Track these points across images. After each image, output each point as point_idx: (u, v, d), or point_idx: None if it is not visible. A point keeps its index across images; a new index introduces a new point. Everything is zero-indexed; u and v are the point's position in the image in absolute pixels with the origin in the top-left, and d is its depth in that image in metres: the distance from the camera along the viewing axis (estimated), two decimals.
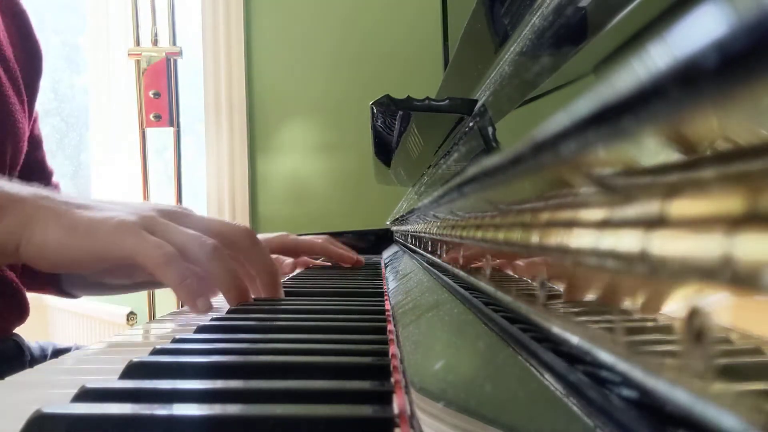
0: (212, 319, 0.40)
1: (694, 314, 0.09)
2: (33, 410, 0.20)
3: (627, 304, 0.12)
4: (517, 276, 0.21)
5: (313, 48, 1.77)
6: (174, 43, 1.55)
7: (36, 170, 0.77)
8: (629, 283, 0.12)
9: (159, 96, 1.53)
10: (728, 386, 0.09)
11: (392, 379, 0.25)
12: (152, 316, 1.55)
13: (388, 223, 1.21)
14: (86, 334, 2.03)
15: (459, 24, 0.58)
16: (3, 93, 0.66)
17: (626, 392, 0.12)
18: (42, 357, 0.75)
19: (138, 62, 1.53)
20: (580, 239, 0.14)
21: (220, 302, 0.51)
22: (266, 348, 0.31)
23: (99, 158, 2.15)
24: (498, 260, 0.23)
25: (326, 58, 1.77)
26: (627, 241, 0.11)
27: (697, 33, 0.08)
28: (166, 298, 1.58)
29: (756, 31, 0.06)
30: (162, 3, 1.55)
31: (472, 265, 0.29)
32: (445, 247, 0.40)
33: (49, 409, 0.20)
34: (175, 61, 1.55)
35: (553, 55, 0.24)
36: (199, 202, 1.80)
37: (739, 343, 0.09)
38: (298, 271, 0.85)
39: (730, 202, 0.08)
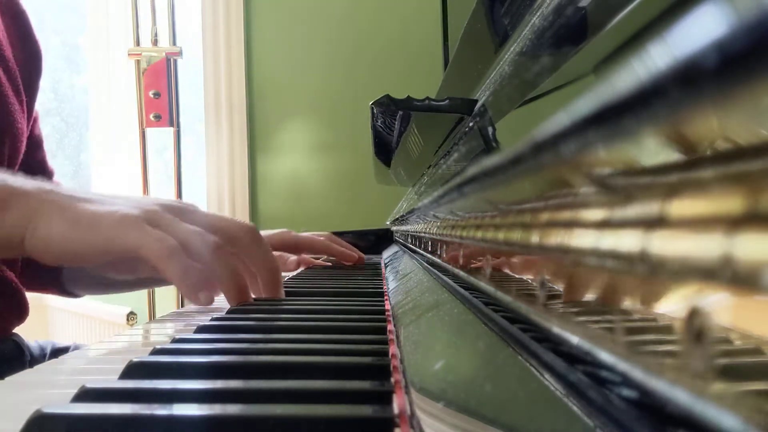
0: (212, 319, 0.40)
1: (694, 314, 0.09)
2: (33, 410, 0.20)
3: (627, 304, 0.12)
4: (517, 276, 0.21)
5: (313, 48, 1.77)
6: (174, 43, 1.55)
7: (36, 170, 0.77)
8: (629, 283, 0.12)
9: (159, 96, 1.53)
10: (728, 386, 0.09)
11: (392, 379, 0.25)
12: (152, 316, 1.55)
13: (388, 223, 1.21)
14: (86, 334, 2.03)
15: (459, 24, 0.58)
16: (2, 93, 0.66)
17: (626, 392, 0.12)
18: (41, 356, 0.75)
19: (138, 62, 1.53)
20: (580, 239, 0.14)
21: (221, 302, 0.51)
22: (266, 348, 0.31)
23: (99, 158, 2.15)
24: (498, 260, 0.23)
25: (326, 58, 1.77)
26: (627, 241, 0.11)
27: (697, 33, 0.08)
28: (166, 298, 1.58)
29: (756, 31, 0.06)
30: (162, 3, 1.55)
31: (472, 265, 0.29)
32: (445, 247, 0.40)
33: (49, 409, 0.20)
34: (175, 61, 1.55)
35: (553, 55, 0.24)
36: (199, 202, 1.79)
37: (739, 343, 0.09)
38: (300, 270, 0.85)
39: (730, 202, 0.08)
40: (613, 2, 0.17)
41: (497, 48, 0.35)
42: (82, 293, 0.78)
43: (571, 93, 0.20)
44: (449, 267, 0.37)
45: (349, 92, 1.75)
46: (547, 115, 0.14)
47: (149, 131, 1.57)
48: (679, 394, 0.10)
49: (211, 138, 1.78)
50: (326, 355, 0.29)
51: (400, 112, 0.52)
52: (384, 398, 0.23)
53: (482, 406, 0.18)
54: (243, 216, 1.76)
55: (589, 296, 0.14)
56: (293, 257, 0.83)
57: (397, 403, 0.22)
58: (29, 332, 0.75)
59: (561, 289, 0.16)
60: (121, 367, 0.27)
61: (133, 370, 0.26)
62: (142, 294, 1.56)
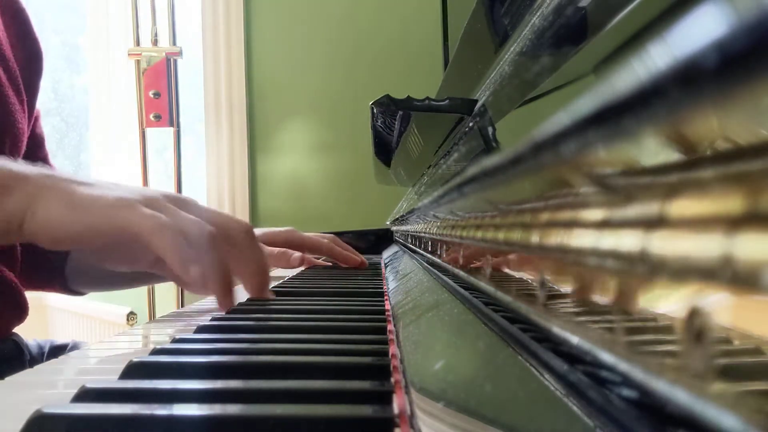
0: (212, 319, 0.40)
1: (694, 314, 0.09)
2: (33, 410, 0.20)
3: (627, 304, 0.12)
4: (517, 276, 0.21)
5: (313, 48, 1.77)
6: (174, 43, 1.55)
7: None
8: (629, 283, 0.12)
9: (159, 96, 1.53)
10: (728, 386, 0.09)
11: (392, 379, 0.25)
12: (152, 316, 1.55)
13: (388, 223, 1.21)
14: (86, 333, 2.03)
15: (459, 24, 0.58)
16: (2, 93, 0.66)
17: (626, 392, 0.12)
18: (40, 355, 0.75)
19: (138, 62, 1.53)
20: (580, 239, 0.14)
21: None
22: (266, 348, 0.31)
23: (99, 158, 2.15)
24: (498, 260, 0.23)
25: (326, 58, 1.77)
26: (627, 241, 0.11)
27: (697, 33, 0.08)
28: (166, 298, 1.58)
29: (756, 31, 0.06)
30: (162, 3, 1.55)
31: (472, 265, 0.29)
32: (445, 247, 0.40)
33: (49, 409, 0.20)
34: (175, 61, 1.55)
35: (553, 55, 0.24)
36: (200, 203, 1.80)
37: (739, 343, 0.09)
38: (301, 269, 0.85)
39: (730, 202, 0.08)
40: (613, 2, 0.17)
41: (497, 48, 0.35)
42: (85, 290, 0.78)
43: (571, 93, 0.20)
44: (449, 267, 0.37)
45: (349, 92, 1.75)
46: (547, 115, 0.14)
47: (149, 131, 1.57)
48: (679, 394, 0.10)
49: (211, 138, 1.78)
50: (326, 355, 0.29)
51: (400, 112, 0.52)
52: (384, 398, 0.23)
53: (482, 406, 0.18)
54: (243, 216, 1.76)
55: (589, 296, 0.14)
56: (297, 254, 0.83)
57: (397, 403, 0.22)
58: (29, 332, 0.75)
59: (561, 289, 0.16)
60: (120, 367, 0.27)
61: (133, 370, 0.26)
62: (142, 294, 1.57)
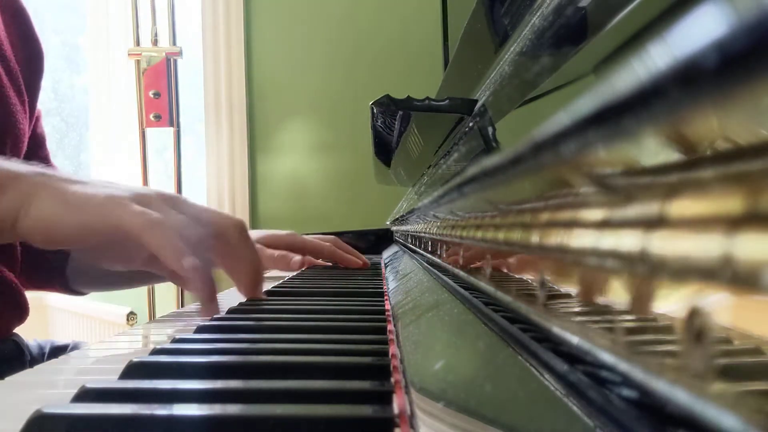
0: (212, 319, 0.40)
1: (694, 314, 0.09)
2: (33, 410, 0.20)
3: (627, 304, 0.12)
4: (517, 276, 0.21)
5: (313, 48, 1.77)
6: (174, 43, 1.55)
7: None
8: (629, 283, 0.12)
9: (159, 96, 1.53)
10: (728, 386, 0.09)
11: (392, 379, 0.25)
12: (152, 316, 1.55)
13: (388, 223, 1.21)
14: (86, 333, 2.03)
15: (459, 24, 0.58)
16: (3, 93, 0.66)
17: (626, 392, 0.12)
18: (40, 355, 0.75)
19: (138, 62, 1.53)
20: (580, 239, 0.14)
21: (221, 304, 0.51)
22: (266, 348, 0.31)
23: (99, 158, 2.15)
24: (498, 260, 0.23)
25: (326, 58, 1.77)
26: (627, 241, 0.11)
27: (697, 33, 0.08)
28: (166, 298, 1.58)
29: (756, 31, 0.06)
30: (162, 3, 1.55)
31: (472, 265, 0.29)
32: (445, 247, 0.40)
33: (49, 409, 0.20)
34: (175, 61, 1.55)
35: (553, 55, 0.24)
36: (199, 202, 1.79)
37: (739, 343, 0.09)
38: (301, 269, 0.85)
39: (730, 202, 0.08)
40: (613, 2, 0.17)
41: (497, 48, 0.35)
42: (86, 290, 0.78)
43: (571, 93, 0.20)
44: (449, 267, 0.37)
45: (349, 92, 1.75)
46: (547, 115, 0.14)
47: (149, 131, 1.57)
48: (679, 394, 0.10)
49: (211, 138, 1.78)
50: (326, 355, 0.29)
51: (400, 112, 0.52)
52: (384, 398, 0.23)
53: (482, 406, 0.18)
54: (243, 216, 1.76)
55: (589, 296, 0.14)
56: (297, 257, 0.83)
57: (397, 403, 0.22)
58: (29, 332, 0.75)
59: (561, 289, 0.16)
60: (120, 367, 0.27)
61: (133, 370, 0.26)
62: (142, 294, 1.57)
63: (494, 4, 0.36)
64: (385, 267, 0.82)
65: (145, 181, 1.58)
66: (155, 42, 1.54)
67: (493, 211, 0.24)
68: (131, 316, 1.83)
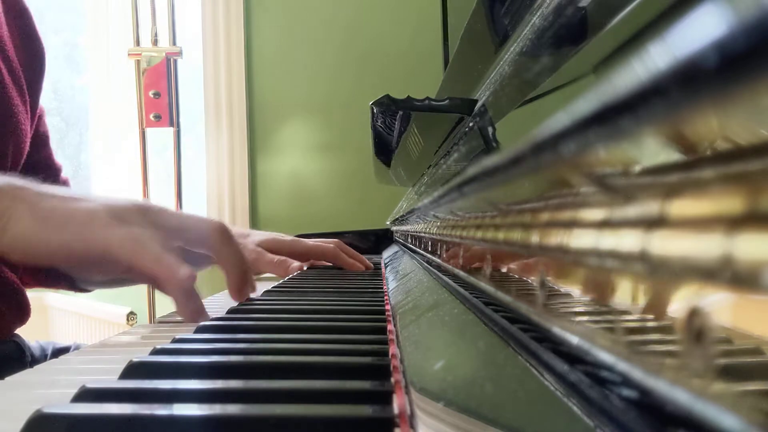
0: (212, 319, 0.40)
1: (694, 314, 0.09)
2: (33, 410, 0.20)
3: (627, 303, 0.12)
4: (517, 276, 0.21)
5: (313, 48, 1.77)
6: (174, 43, 1.55)
7: (42, 167, 0.76)
8: (629, 283, 0.12)
9: (159, 96, 1.53)
10: (728, 386, 0.09)
11: (392, 379, 0.25)
12: (152, 315, 1.55)
13: (388, 223, 1.21)
14: (86, 333, 2.03)
15: (459, 24, 0.58)
16: (5, 94, 0.66)
17: (626, 392, 0.12)
18: (42, 357, 0.75)
19: (138, 62, 1.53)
20: (580, 239, 0.14)
21: (220, 304, 0.51)
22: (266, 348, 0.31)
23: (99, 158, 2.15)
24: (498, 260, 0.23)
25: (326, 58, 1.77)
26: (627, 241, 0.11)
27: (697, 33, 0.08)
28: (166, 298, 1.57)
29: (756, 31, 0.06)
30: (162, 3, 1.55)
31: (472, 265, 0.29)
32: (445, 247, 0.40)
33: (49, 409, 0.20)
34: (175, 61, 1.54)
35: (553, 55, 0.24)
36: (199, 203, 1.80)
37: (739, 343, 0.09)
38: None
39: (730, 202, 0.08)
40: (613, 2, 0.17)
41: (497, 48, 0.35)
42: (91, 288, 0.78)
43: (571, 93, 0.20)
44: (449, 267, 0.37)
45: (348, 92, 1.75)
46: (547, 115, 0.14)
47: (149, 131, 1.57)
48: (679, 394, 0.10)
49: (211, 138, 1.78)
50: (326, 355, 0.29)
51: (400, 112, 0.52)
52: (384, 398, 0.23)
53: (482, 406, 0.18)
54: (243, 216, 1.76)
55: (589, 296, 0.14)
56: (296, 263, 0.82)
57: (397, 403, 0.22)
58: (30, 332, 0.75)
59: (561, 289, 0.16)
60: (121, 367, 0.27)
61: (133, 370, 0.26)
62: (142, 294, 1.56)
63: (494, 4, 0.36)
64: (385, 267, 0.82)
65: (145, 181, 1.57)
66: (155, 42, 1.54)
67: (493, 211, 0.24)
68: (131, 316, 1.83)
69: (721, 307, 0.09)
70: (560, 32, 0.23)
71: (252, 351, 0.31)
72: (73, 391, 0.23)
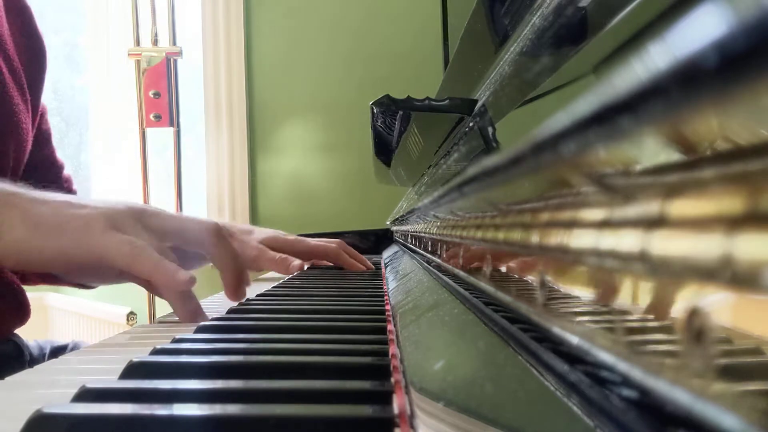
0: (212, 319, 0.40)
1: (694, 314, 0.09)
2: (33, 410, 0.20)
3: (627, 303, 0.12)
4: (517, 276, 0.21)
5: (313, 48, 1.77)
6: (174, 43, 1.55)
7: (45, 165, 0.77)
8: (629, 283, 0.12)
9: (159, 96, 1.53)
10: (728, 386, 0.09)
11: (392, 379, 0.25)
12: (152, 315, 1.55)
13: (388, 223, 1.21)
14: (86, 333, 2.03)
15: (459, 24, 0.58)
16: (6, 93, 0.66)
17: (626, 392, 0.12)
18: (41, 356, 0.75)
19: (138, 62, 1.53)
20: (580, 239, 0.14)
21: (220, 304, 0.51)
22: (266, 348, 0.31)
23: (99, 158, 2.15)
24: (498, 260, 0.23)
25: (326, 58, 1.77)
26: (627, 241, 0.11)
27: (697, 33, 0.08)
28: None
29: (756, 31, 0.06)
30: (162, 3, 1.55)
31: (472, 265, 0.29)
32: (445, 247, 0.40)
33: (49, 409, 0.20)
34: (175, 61, 1.54)
35: (553, 55, 0.24)
36: (199, 202, 1.80)
37: (739, 343, 0.09)
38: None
39: (730, 202, 0.08)
40: (613, 2, 0.17)
41: (497, 48, 0.35)
42: (95, 285, 0.78)
43: (571, 93, 0.20)
44: (449, 267, 0.37)
45: (348, 92, 1.75)
46: (547, 115, 0.14)
47: (149, 131, 1.57)
48: (679, 394, 0.10)
49: (211, 138, 1.78)
50: (326, 355, 0.29)
51: (400, 112, 0.52)
52: (384, 398, 0.23)
53: (482, 406, 0.18)
54: (243, 216, 1.76)
55: (589, 296, 0.14)
56: (297, 261, 0.82)
57: (397, 403, 0.22)
58: (29, 332, 0.75)
59: (561, 289, 0.16)
60: (121, 367, 0.27)
61: (133, 370, 0.26)
62: (142, 294, 1.56)
63: (494, 4, 0.36)
64: (385, 267, 0.82)
65: (145, 181, 1.57)
66: (155, 42, 1.54)
67: (493, 211, 0.24)
68: (131, 316, 1.83)
69: (721, 307, 0.09)
70: (560, 32, 0.23)
71: (252, 351, 0.31)
72: (73, 391, 0.23)
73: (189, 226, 0.50)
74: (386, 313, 0.42)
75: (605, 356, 0.13)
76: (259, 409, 0.21)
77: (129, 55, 1.54)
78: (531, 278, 0.19)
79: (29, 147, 0.71)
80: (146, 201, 1.55)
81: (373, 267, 0.87)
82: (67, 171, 0.84)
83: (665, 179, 0.10)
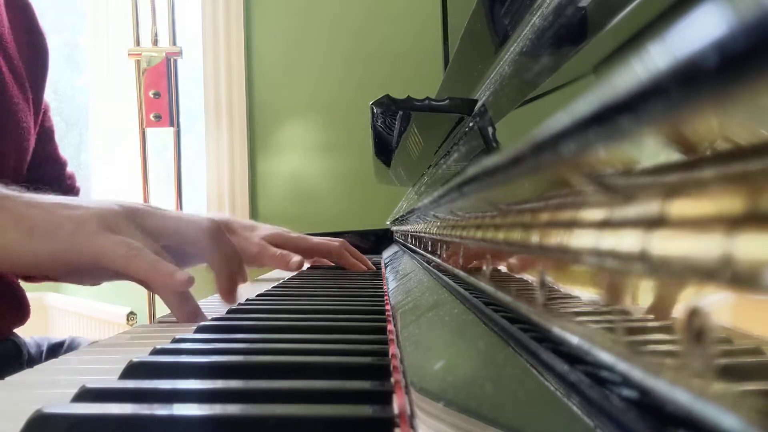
0: (212, 319, 0.40)
1: (694, 314, 0.09)
2: (33, 410, 0.20)
3: (627, 304, 0.12)
4: (517, 276, 0.21)
5: (313, 48, 1.77)
6: (174, 43, 1.55)
7: (47, 163, 0.77)
8: (629, 283, 0.12)
9: (159, 96, 1.53)
10: (728, 386, 0.09)
11: (392, 379, 0.25)
12: (152, 315, 1.55)
13: (388, 223, 1.21)
14: (86, 333, 2.03)
15: (459, 24, 0.58)
16: (7, 92, 0.66)
17: (626, 392, 0.12)
18: (38, 353, 0.75)
19: (138, 62, 1.53)
20: (580, 239, 0.14)
21: (219, 305, 0.51)
22: (266, 348, 0.31)
23: (99, 158, 2.15)
24: (498, 260, 0.23)
25: (326, 58, 1.77)
26: (627, 241, 0.11)
27: (697, 33, 0.08)
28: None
29: (756, 31, 0.06)
30: (162, 3, 1.55)
31: (472, 265, 0.29)
32: (445, 246, 0.40)
33: (49, 409, 0.20)
34: (175, 61, 1.55)
35: (553, 55, 0.24)
36: (199, 202, 1.80)
37: (739, 343, 0.09)
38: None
39: (730, 202, 0.08)
40: (613, 2, 0.17)
41: (497, 48, 0.35)
42: (99, 281, 0.78)
43: (571, 93, 0.20)
44: (449, 267, 0.37)
45: (348, 92, 1.75)
46: (547, 115, 0.14)
47: (149, 131, 1.57)
48: (679, 394, 0.10)
49: (211, 138, 1.78)
50: (326, 355, 0.29)
51: (400, 112, 0.52)
52: (384, 398, 0.23)
53: (482, 406, 0.18)
54: (243, 216, 1.76)
55: (589, 296, 0.14)
56: (297, 258, 0.82)
57: (397, 403, 0.22)
58: (29, 332, 0.75)
59: (561, 289, 0.16)
60: (121, 367, 0.27)
61: (133, 370, 0.26)
62: (142, 294, 1.57)
63: (494, 4, 0.36)
64: (385, 267, 0.82)
65: (145, 181, 1.58)
66: (155, 42, 1.54)
67: (493, 211, 0.24)
68: (131, 316, 1.83)
69: (721, 307, 0.09)
70: (560, 32, 0.23)
71: (252, 351, 0.31)
72: (73, 391, 0.23)
73: (184, 225, 0.50)
74: (386, 313, 0.42)
75: (605, 356, 0.13)
76: (259, 409, 0.21)
77: (129, 55, 1.54)
78: (531, 278, 0.19)
79: (32, 145, 0.71)
80: (146, 201, 1.55)
81: (374, 267, 0.87)
82: (70, 168, 0.84)
83: (665, 179, 0.10)
